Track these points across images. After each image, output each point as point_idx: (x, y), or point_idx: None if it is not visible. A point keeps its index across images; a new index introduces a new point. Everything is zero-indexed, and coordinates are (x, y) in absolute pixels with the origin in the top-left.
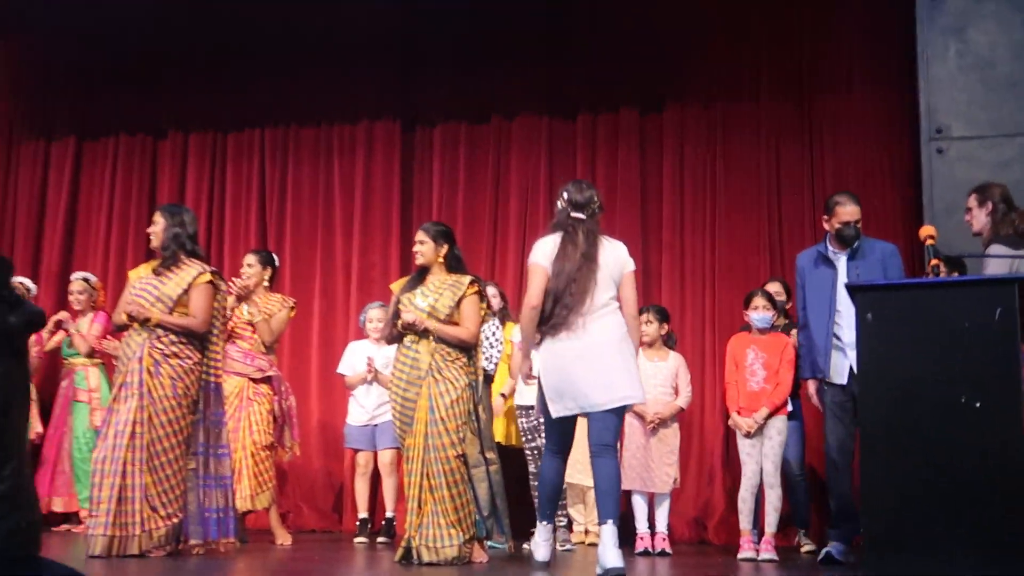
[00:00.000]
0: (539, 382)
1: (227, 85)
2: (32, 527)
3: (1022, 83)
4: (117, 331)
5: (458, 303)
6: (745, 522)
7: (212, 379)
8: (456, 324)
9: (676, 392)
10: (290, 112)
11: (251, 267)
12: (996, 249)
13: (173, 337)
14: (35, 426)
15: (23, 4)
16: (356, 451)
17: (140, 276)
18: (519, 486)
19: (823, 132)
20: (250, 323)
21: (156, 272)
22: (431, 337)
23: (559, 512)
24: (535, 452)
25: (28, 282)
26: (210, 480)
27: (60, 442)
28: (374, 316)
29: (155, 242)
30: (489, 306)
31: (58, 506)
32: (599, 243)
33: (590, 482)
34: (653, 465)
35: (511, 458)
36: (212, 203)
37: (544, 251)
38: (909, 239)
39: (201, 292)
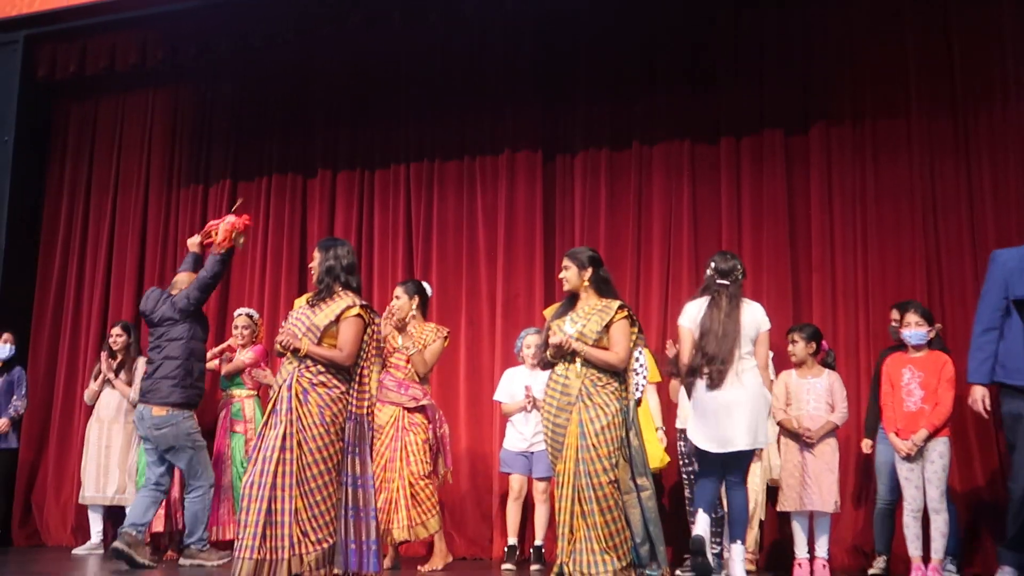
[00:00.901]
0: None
1: (372, 123)
2: None
3: None
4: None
5: (607, 327)
6: (912, 548)
7: (358, 411)
8: (605, 349)
9: (832, 409)
10: (433, 146)
11: (399, 299)
12: None
13: (321, 367)
14: None
15: (179, 58)
16: (510, 475)
17: (299, 306)
18: (675, 510)
19: (980, 146)
20: (407, 357)
21: (310, 303)
22: (580, 362)
23: (715, 539)
24: (691, 477)
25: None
26: (357, 511)
27: (222, 473)
28: (531, 342)
29: (313, 277)
30: (641, 331)
31: (228, 534)
32: (740, 306)
33: None
34: (811, 483)
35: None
36: (360, 238)
37: (690, 315)
38: None
39: (349, 324)
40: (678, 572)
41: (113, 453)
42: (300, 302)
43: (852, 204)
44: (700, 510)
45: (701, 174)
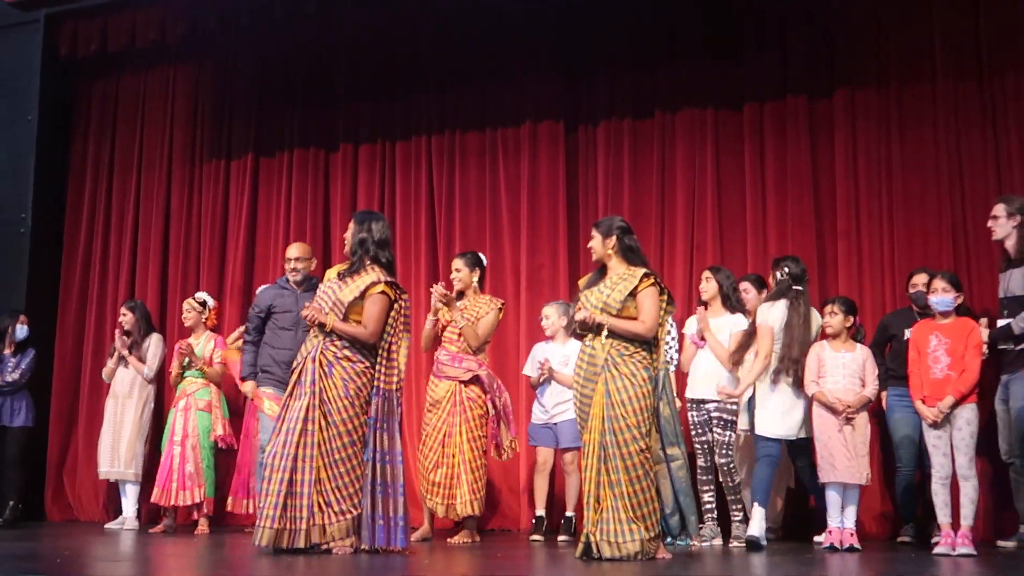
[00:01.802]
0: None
1: (393, 96)
2: None
3: None
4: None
5: (632, 296)
6: (941, 515)
7: (386, 386)
8: (632, 318)
9: (863, 384)
10: (455, 118)
11: (459, 271)
12: None
13: (346, 341)
14: (216, 429)
15: (200, 34)
16: (535, 448)
17: (330, 278)
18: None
19: (1007, 109)
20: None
21: (340, 276)
22: (605, 332)
23: (736, 507)
24: (705, 447)
25: (207, 297)
26: (385, 487)
27: (248, 448)
28: (547, 313)
29: (346, 248)
30: (671, 299)
31: (250, 508)
32: (810, 310)
33: None
34: (848, 455)
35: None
36: (383, 210)
37: (776, 316)
38: None
39: (373, 301)
40: (693, 541)
41: (125, 429)
42: (331, 273)
43: (877, 171)
44: (757, 503)
45: (724, 143)
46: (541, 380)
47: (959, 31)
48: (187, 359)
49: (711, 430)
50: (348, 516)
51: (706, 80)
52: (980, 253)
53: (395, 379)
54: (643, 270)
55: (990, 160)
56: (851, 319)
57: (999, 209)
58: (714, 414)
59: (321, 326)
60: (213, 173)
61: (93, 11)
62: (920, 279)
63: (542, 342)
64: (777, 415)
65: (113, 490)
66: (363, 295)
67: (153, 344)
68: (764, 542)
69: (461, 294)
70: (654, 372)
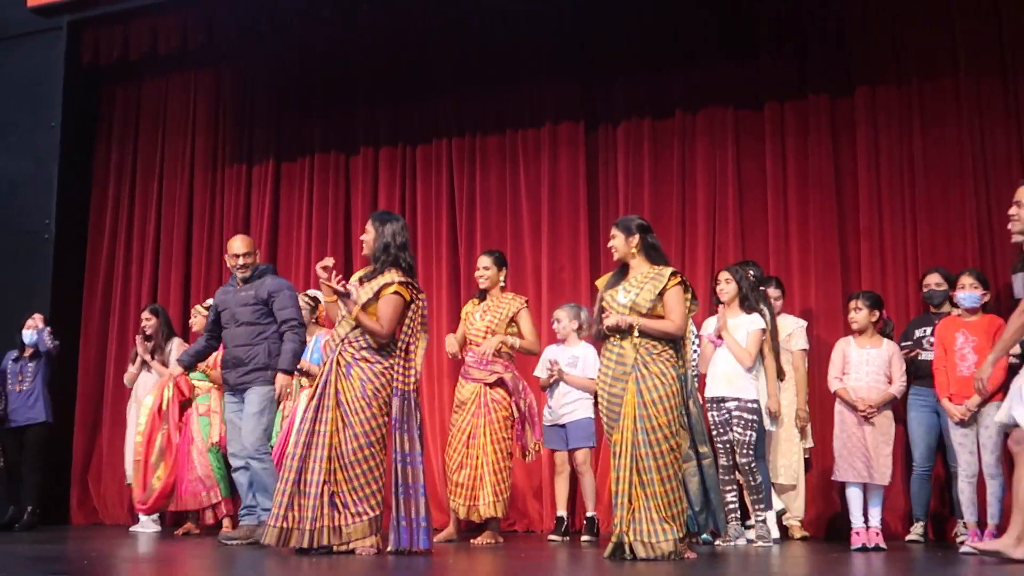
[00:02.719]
0: None
1: (413, 99)
2: None
3: None
4: None
5: (660, 295)
6: (967, 514)
7: (404, 387)
8: (660, 317)
9: (889, 380)
10: (475, 120)
11: (488, 269)
12: None
13: (363, 343)
14: (213, 435)
15: (220, 39)
16: (553, 451)
17: (352, 283)
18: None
19: None
20: (484, 328)
21: (362, 280)
22: (635, 333)
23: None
24: (726, 446)
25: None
26: (407, 488)
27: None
28: (558, 316)
29: (366, 250)
30: (695, 296)
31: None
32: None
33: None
34: (870, 455)
35: None
36: (404, 213)
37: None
38: None
39: (387, 301)
40: (718, 540)
41: None
42: (354, 279)
43: (900, 170)
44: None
45: (745, 142)
46: (551, 381)
47: (981, 26)
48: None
49: (731, 429)
50: (366, 517)
51: (726, 79)
52: (1005, 252)
53: (412, 379)
54: (670, 268)
55: (1015, 157)
56: (876, 313)
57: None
58: (734, 413)
59: (349, 311)
60: (235, 178)
61: (115, 18)
62: (932, 279)
63: (552, 344)
64: None
65: None
66: (377, 296)
67: (175, 348)
68: None
69: (485, 292)
70: (681, 371)
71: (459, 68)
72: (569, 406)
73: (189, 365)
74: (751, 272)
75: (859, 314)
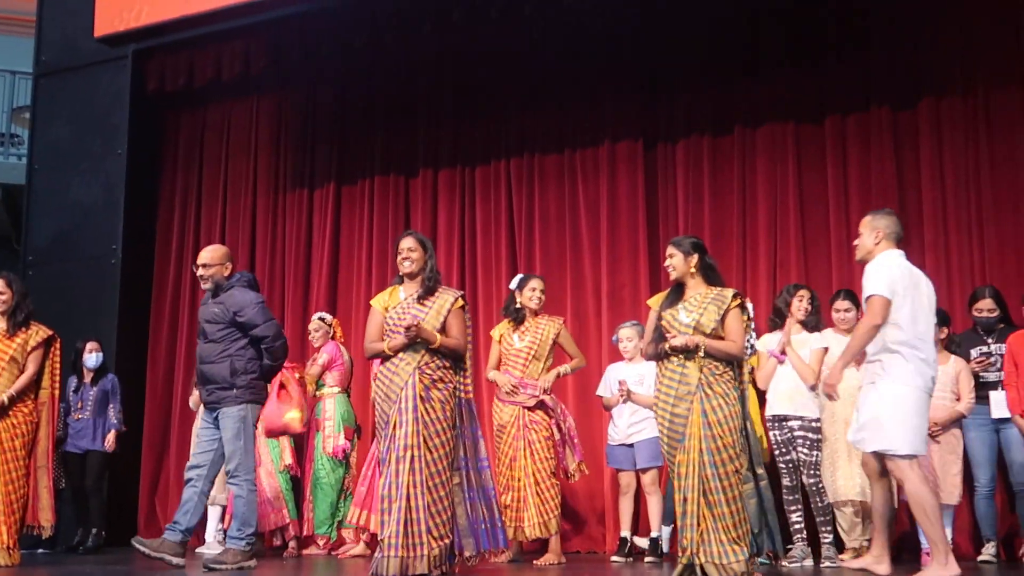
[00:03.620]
0: None
1: (472, 120)
2: None
3: None
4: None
5: (722, 317)
6: None
7: (465, 395)
8: (721, 338)
9: (957, 398)
10: (533, 140)
11: (543, 292)
12: None
13: (438, 363)
14: (284, 458)
15: (282, 64)
16: (618, 471)
17: (392, 304)
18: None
19: None
20: (525, 351)
21: (418, 299)
22: (701, 353)
23: (825, 528)
24: (789, 466)
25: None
26: (475, 493)
27: (308, 470)
28: (623, 335)
29: (414, 268)
30: (751, 318)
31: (305, 530)
32: None
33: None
34: (938, 474)
35: None
36: (463, 234)
37: None
38: None
39: (458, 318)
40: (783, 561)
41: None
42: (383, 300)
43: (965, 181)
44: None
45: (806, 156)
46: (621, 401)
47: None
48: None
49: (795, 449)
50: (444, 542)
51: (786, 94)
52: None
53: (470, 387)
54: (732, 290)
55: None
56: (944, 330)
57: None
58: (797, 432)
59: (424, 342)
60: (296, 201)
61: (179, 46)
62: (985, 305)
63: (615, 363)
64: None
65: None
66: (448, 314)
67: None
68: None
69: (519, 314)
70: (741, 392)
71: (517, 89)
72: (638, 425)
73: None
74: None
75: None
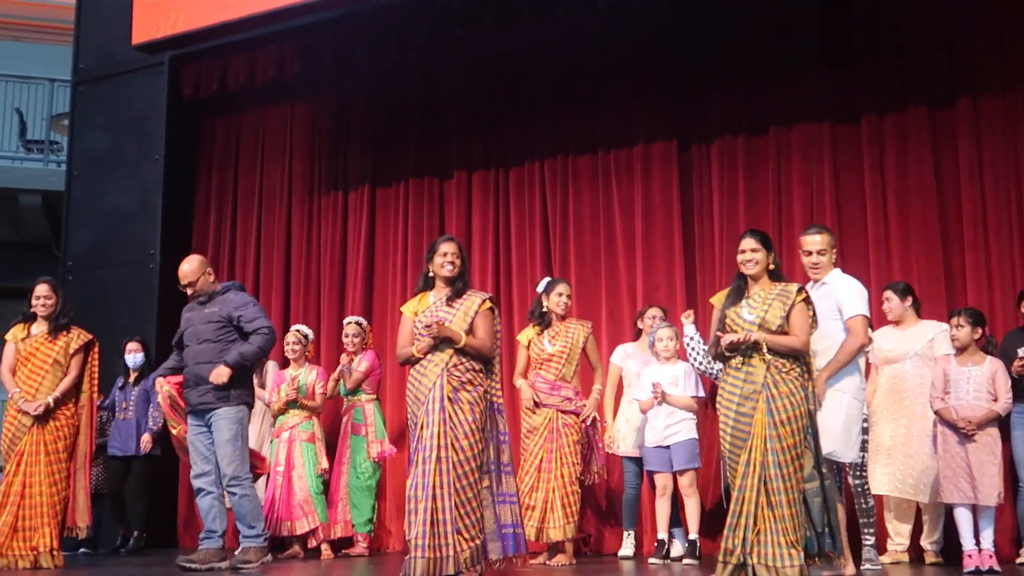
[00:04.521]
0: None
1: (505, 122)
2: None
3: None
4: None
5: (787, 313)
6: None
7: (494, 399)
8: (785, 334)
9: (995, 398)
10: (567, 142)
11: (570, 297)
12: None
13: (467, 365)
14: (322, 462)
15: (316, 69)
16: (654, 473)
17: (422, 309)
18: None
19: None
20: (559, 355)
21: (448, 301)
22: (764, 350)
23: (868, 530)
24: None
25: (308, 330)
26: (502, 496)
27: (341, 473)
28: (663, 335)
29: (455, 272)
30: (815, 315)
31: (338, 532)
32: None
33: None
34: (975, 475)
35: None
36: (498, 237)
37: None
38: None
39: (486, 319)
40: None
41: None
42: (413, 307)
43: (1005, 180)
44: None
45: (843, 157)
46: (657, 403)
47: None
48: (292, 394)
49: None
50: (476, 543)
51: (822, 94)
52: None
53: (498, 390)
54: (796, 285)
55: None
56: (979, 331)
57: None
58: None
59: (449, 342)
60: (331, 204)
61: (214, 52)
62: None
63: (651, 365)
64: None
65: None
66: (475, 316)
67: (270, 371)
68: None
69: (545, 318)
70: (809, 390)
71: (551, 90)
72: (674, 427)
73: (161, 374)
74: None
75: (961, 331)
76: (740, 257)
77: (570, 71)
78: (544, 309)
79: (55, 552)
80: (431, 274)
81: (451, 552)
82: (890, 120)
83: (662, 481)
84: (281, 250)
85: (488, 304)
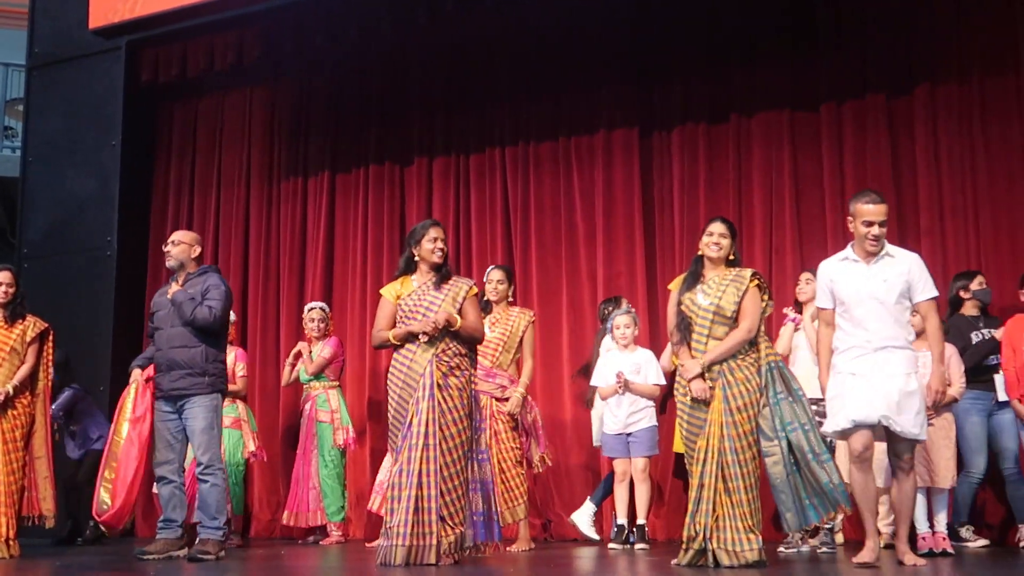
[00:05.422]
0: None
1: (467, 108)
2: None
3: None
4: (378, 349)
5: (741, 297)
6: None
7: (475, 387)
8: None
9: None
10: (528, 128)
11: (501, 284)
12: None
13: (456, 349)
14: (248, 445)
15: (276, 55)
16: (613, 459)
17: (406, 292)
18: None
19: None
20: (496, 342)
21: (436, 285)
22: (704, 376)
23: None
24: None
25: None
26: (475, 484)
27: (308, 461)
28: (620, 323)
29: (440, 256)
30: (771, 297)
31: (313, 520)
32: None
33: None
34: (931, 459)
35: None
36: (459, 223)
37: None
38: None
39: (473, 303)
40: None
41: None
42: (395, 289)
43: (960, 168)
44: None
45: (802, 144)
46: (619, 391)
47: None
48: None
49: None
50: (460, 530)
51: (782, 82)
52: None
53: (476, 380)
54: (750, 270)
55: None
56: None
57: None
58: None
59: (449, 325)
60: (291, 191)
61: (173, 37)
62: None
63: (610, 351)
64: None
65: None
66: (463, 301)
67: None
68: None
69: (489, 304)
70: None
71: (512, 77)
72: (637, 415)
73: (144, 367)
74: None
75: (915, 318)
76: (707, 239)
77: (532, 57)
78: (485, 296)
79: (11, 542)
80: (416, 258)
81: (433, 541)
82: (849, 108)
83: (622, 467)
84: (240, 236)
85: (475, 290)
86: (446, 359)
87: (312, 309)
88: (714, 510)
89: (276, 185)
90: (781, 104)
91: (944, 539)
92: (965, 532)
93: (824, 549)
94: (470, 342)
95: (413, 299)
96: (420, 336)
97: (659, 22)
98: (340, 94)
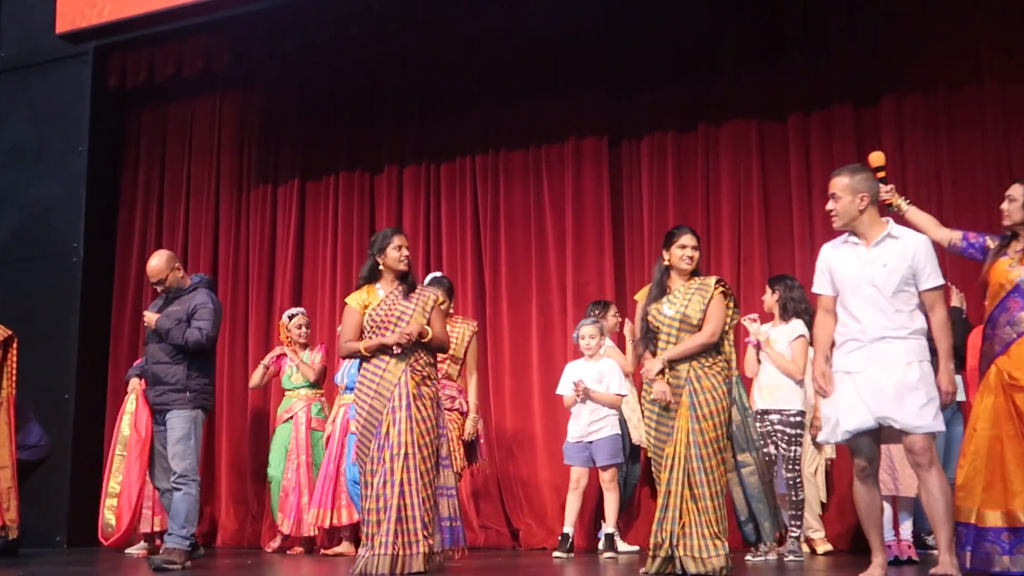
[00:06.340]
0: None
1: (437, 117)
2: None
3: None
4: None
5: (706, 305)
6: None
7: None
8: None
9: None
10: (498, 137)
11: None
12: None
13: (427, 359)
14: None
15: (246, 61)
16: (571, 466)
17: (373, 302)
18: None
19: None
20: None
21: (405, 295)
22: (666, 373)
23: (795, 523)
24: (766, 459)
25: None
26: (440, 489)
27: (308, 467)
28: (585, 333)
29: (406, 264)
30: (737, 304)
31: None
32: None
33: None
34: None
35: None
36: (429, 231)
37: None
38: None
39: (439, 313)
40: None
41: None
42: (361, 299)
43: (926, 178)
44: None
45: (770, 154)
46: (579, 400)
47: (1006, 33)
48: None
49: (776, 443)
50: (431, 541)
51: (750, 91)
52: None
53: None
54: (714, 278)
55: None
56: None
57: (1016, 191)
58: (776, 427)
59: (421, 336)
60: (260, 198)
61: (141, 42)
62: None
63: (574, 361)
64: None
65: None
66: (431, 311)
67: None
68: None
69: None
70: (729, 379)
71: (483, 85)
72: (598, 423)
73: (142, 377)
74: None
75: None
76: (679, 252)
77: (503, 66)
78: None
79: None
80: (380, 266)
81: (420, 549)
82: (816, 118)
83: (576, 474)
84: (209, 243)
85: (441, 300)
86: (419, 368)
87: (296, 316)
88: (680, 517)
89: (246, 192)
90: (749, 113)
91: (909, 547)
92: (931, 540)
93: (791, 557)
94: (437, 351)
95: (383, 309)
96: (394, 348)
97: (629, 32)
98: (310, 102)
